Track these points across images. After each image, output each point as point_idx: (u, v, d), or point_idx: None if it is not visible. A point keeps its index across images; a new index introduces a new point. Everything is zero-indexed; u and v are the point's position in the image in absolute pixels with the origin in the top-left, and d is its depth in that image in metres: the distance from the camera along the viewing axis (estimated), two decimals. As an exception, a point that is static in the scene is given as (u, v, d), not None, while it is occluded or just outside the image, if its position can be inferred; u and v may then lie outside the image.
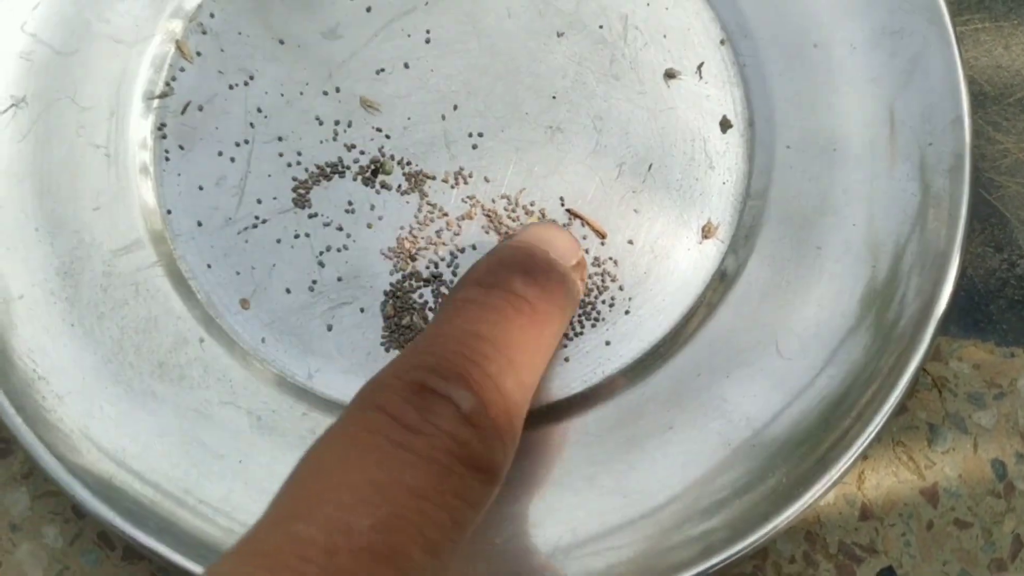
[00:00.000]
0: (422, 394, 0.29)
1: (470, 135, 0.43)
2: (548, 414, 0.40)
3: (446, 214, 0.42)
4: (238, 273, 0.42)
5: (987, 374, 0.43)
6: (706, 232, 0.42)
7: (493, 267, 0.35)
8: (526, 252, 0.35)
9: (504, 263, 0.35)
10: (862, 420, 0.37)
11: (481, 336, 0.31)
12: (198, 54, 0.44)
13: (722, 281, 0.42)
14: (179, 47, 0.44)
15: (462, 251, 0.42)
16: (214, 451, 0.39)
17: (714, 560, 0.36)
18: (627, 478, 0.38)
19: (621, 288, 0.42)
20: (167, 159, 0.43)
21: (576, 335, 0.41)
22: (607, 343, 0.41)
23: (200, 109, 0.43)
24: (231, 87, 0.44)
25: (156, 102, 0.43)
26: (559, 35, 0.44)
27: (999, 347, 0.43)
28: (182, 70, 0.44)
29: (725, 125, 0.43)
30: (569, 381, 0.41)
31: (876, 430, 0.37)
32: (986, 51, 0.45)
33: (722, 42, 0.44)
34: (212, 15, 0.44)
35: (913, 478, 0.42)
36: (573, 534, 0.38)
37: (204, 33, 0.44)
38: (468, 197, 0.42)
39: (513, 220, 0.42)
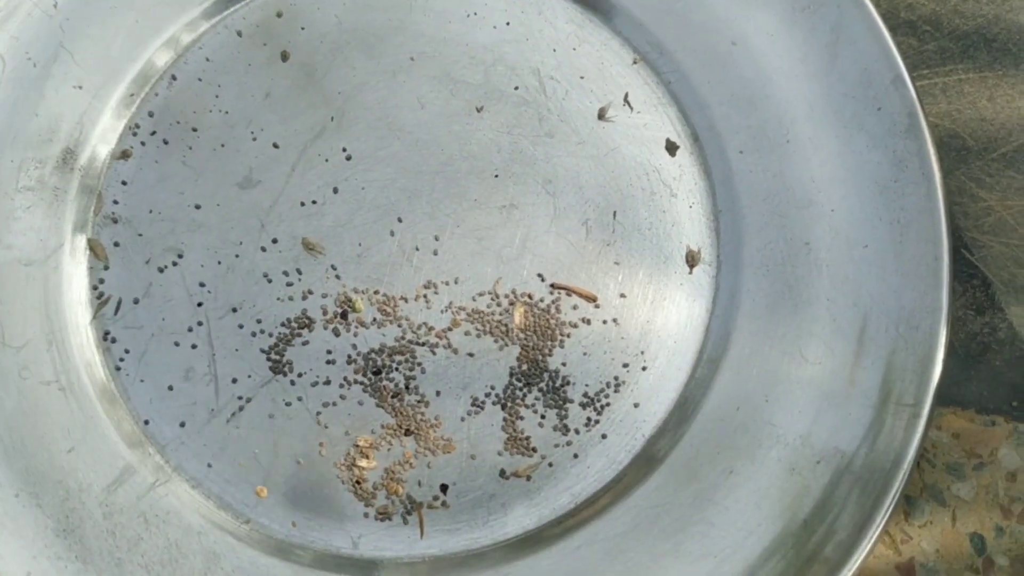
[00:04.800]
0: None
1: (427, 241, 0.41)
2: (604, 498, 0.39)
3: (431, 328, 0.40)
4: (241, 464, 0.39)
5: (967, 443, 0.41)
6: (691, 260, 0.41)
7: None
8: None
9: None
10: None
11: None
12: (116, 245, 0.41)
13: (725, 305, 0.40)
14: (91, 248, 0.41)
15: (457, 363, 0.40)
16: (290, 661, 0.36)
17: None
18: (710, 538, 0.37)
19: (629, 346, 0.40)
20: (119, 368, 0.40)
21: (604, 407, 0.40)
22: (636, 405, 0.40)
23: (136, 303, 0.40)
24: (161, 270, 0.41)
25: (90, 313, 0.40)
26: (479, 110, 0.42)
27: (979, 415, 0.41)
28: (106, 268, 0.40)
29: (672, 148, 0.42)
30: (614, 456, 0.39)
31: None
32: (970, 103, 0.43)
33: (635, 62, 0.43)
34: (116, 202, 0.41)
35: (889, 553, 0.40)
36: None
37: (116, 222, 0.41)
38: (446, 306, 0.40)
39: (503, 313, 0.40)
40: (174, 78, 0.42)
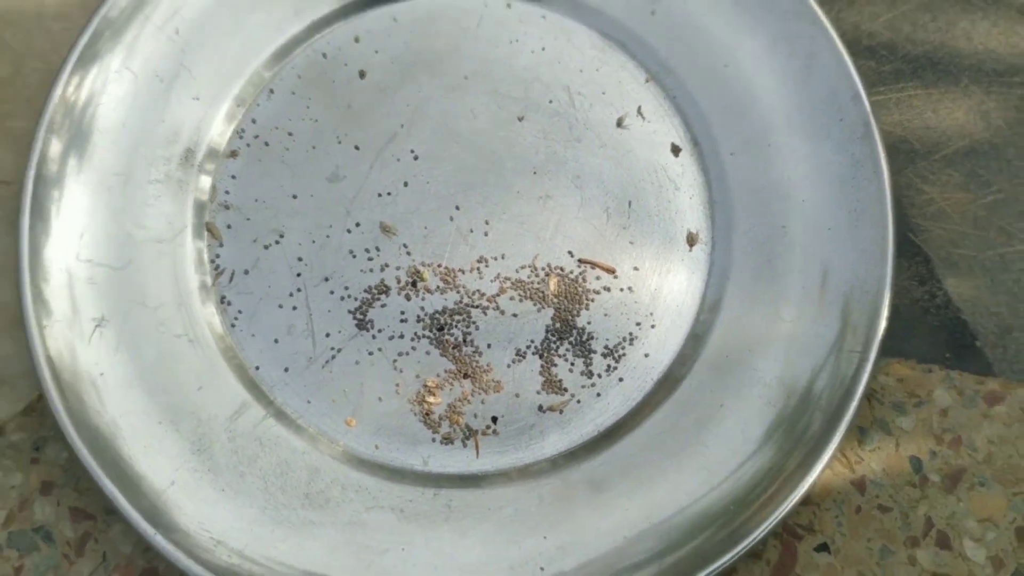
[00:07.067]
0: None
1: (479, 225, 0.51)
2: (621, 427, 0.49)
3: (483, 294, 0.50)
4: (334, 401, 0.49)
5: (909, 386, 0.50)
6: (691, 241, 0.51)
7: None
8: None
9: None
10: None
11: None
12: (228, 227, 0.51)
13: (719, 276, 0.51)
14: (210, 229, 0.51)
15: (504, 322, 0.50)
16: (378, 549, 0.46)
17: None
18: (704, 456, 0.47)
19: (641, 309, 0.50)
20: (233, 326, 0.50)
21: (621, 357, 0.50)
22: (646, 355, 0.50)
23: (246, 273, 0.50)
24: (266, 247, 0.50)
25: (210, 279, 0.50)
26: (520, 119, 0.52)
27: (919, 364, 0.51)
28: (221, 246, 0.50)
29: (676, 150, 0.52)
30: (629, 395, 0.49)
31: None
32: (917, 114, 0.53)
33: (647, 80, 0.53)
34: (227, 192, 0.51)
35: (845, 471, 0.49)
36: (678, 507, 0.47)
37: (228, 208, 0.51)
38: (495, 277, 0.50)
39: (540, 283, 0.50)
40: (272, 91, 0.52)
